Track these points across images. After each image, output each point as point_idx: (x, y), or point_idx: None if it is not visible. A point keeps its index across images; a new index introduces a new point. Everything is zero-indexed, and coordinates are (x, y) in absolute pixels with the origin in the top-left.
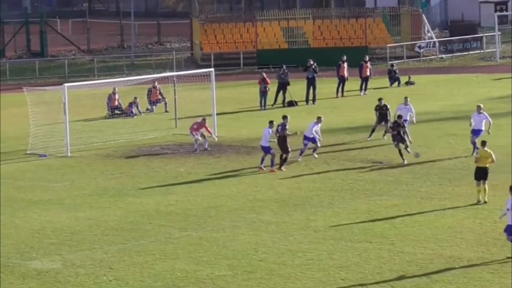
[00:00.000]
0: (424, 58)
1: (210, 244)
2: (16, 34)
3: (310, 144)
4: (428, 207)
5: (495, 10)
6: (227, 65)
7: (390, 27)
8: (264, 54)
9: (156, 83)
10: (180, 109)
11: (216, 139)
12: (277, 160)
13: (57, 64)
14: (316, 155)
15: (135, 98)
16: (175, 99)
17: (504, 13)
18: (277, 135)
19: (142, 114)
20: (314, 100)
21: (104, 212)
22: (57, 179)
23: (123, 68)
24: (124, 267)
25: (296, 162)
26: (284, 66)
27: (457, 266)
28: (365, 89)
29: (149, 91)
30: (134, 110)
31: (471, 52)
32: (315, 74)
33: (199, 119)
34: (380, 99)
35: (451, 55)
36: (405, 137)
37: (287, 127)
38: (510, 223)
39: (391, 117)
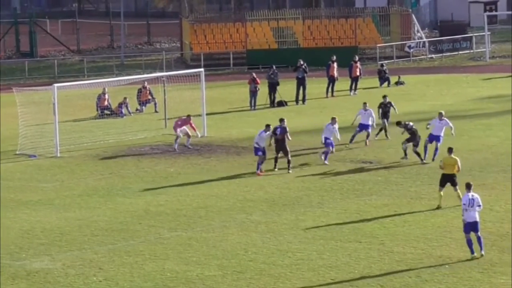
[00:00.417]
0: (413, 58)
1: (200, 244)
2: (5, 34)
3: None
4: (417, 207)
5: (485, 10)
6: (217, 65)
7: (380, 27)
8: (254, 54)
9: (146, 83)
10: (170, 109)
11: (199, 136)
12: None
13: (47, 64)
14: (324, 159)
15: (125, 98)
16: (165, 99)
17: (494, 13)
18: (275, 137)
19: (132, 114)
20: (304, 100)
21: (93, 212)
22: (46, 180)
23: (113, 68)
24: (114, 267)
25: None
26: (274, 66)
27: (446, 266)
28: (355, 89)
29: (139, 91)
30: (124, 110)
31: (460, 52)
32: (305, 74)
33: (184, 116)
34: (384, 96)
35: (441, 55)
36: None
37: (288, 130)
38: (469, 221)
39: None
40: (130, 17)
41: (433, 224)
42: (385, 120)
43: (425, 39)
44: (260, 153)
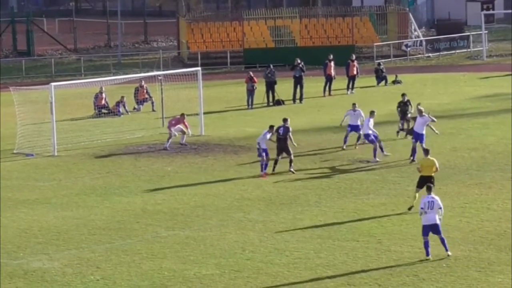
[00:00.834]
0: (411, 57)
1: (197, 243)
2: (2, 33)
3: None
4: (415, 206)
5: (482, 9)
6: (214, 64)
7: (377, 26)
8: (251, 53)
9: (143, 82)
10: (167, 108)
11: (190, 135)
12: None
13: (44, 63)
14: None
15: (122, 97)
16: (162, 98)
17: (491, 11)
18: (277, 137)
19: (129, 113)
20: (301, 99)
21: (91, 211)
22: (44, 179)
23: (110, 67)
24: (111, 266)
25: (283, 161)
26: (271, 65)
27: (444, 265)
28: (352, 88)
29: (136, 90)
30: (121, 109)
31: (457, 51)
32: (302, 73)
33: (178, 115)
34: (403, 95)
35: (438, 53)
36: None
37: (291, 130)
38: (426, 223)
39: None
40: (127, 16)
41: None
42: (404, 122)
43: (422, 38)
44: (263, 154)
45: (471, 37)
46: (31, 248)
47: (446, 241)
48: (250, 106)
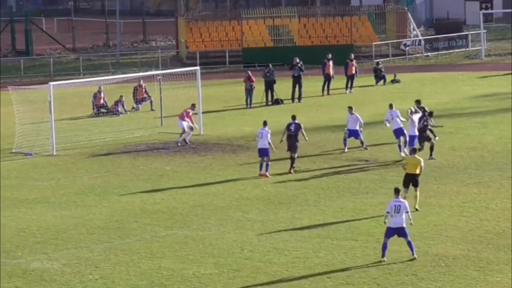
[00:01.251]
0: (409, 56)
1: (196, 243)
2: (1, 32)
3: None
4: (413, 205)
5: (480, 8)
6: (213, 63)
7: (375, 25)
8: (250, 53)
9: (141, 82)
10: (166, 108)
11: (196, 128)
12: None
13: (43, 62)
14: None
15: (121, 96)
16: (160, 97)
17: (489, 11)
18: (288, 133)
19: (128, 112)
20: (300, 98)
21: (89, 210)
22: (42, 178)
23: (108, 66)
24: (110, 265)
25: (282, 161)
26: (270, 65)
27: (442, 264)
28: (351, 87)
29: (135, 89)
30: (120, 108)
31: (456, 50)
32: (301, 72)
33: (189, 108)
34: (417, 101)
35: (437, 53)
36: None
37: (303, 126)
38: (391, 226)
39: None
40: (126, 15)
41: (429, 222)
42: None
43: (421, 37)
44: (264, 154)
45: (469, 37)
46: (30, 248)
47: (413, 245)
48: (248, 106)
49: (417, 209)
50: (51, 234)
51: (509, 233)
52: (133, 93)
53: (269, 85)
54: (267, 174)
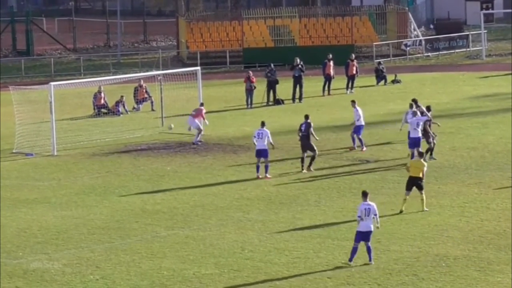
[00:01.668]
0: (410, 56)
1: (197, 243)
2: (1, 33)
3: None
4: (414, 205)
5: (481, 8)
6: (213, 63)
7: (376, 25)
8: (251, 53)
9: (142, 82)
10: (167, 108)
11: (207, 123)
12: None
13: (43, 63)
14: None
15: (122, 96)
16: (161, 97)
17: (490, 11)
18: (300, 134)
19: (129, 112)
20: (300, 98)
21: (90, 210)
22: (43, 178)
23: (109, 66)
24: (110, 265)
25: (283, 161)
26: (272, 65)
27: (443, 264)
28: (352, 87)
29: (136, 89)
30: (121, 108)
31: (457, 50)
32: (301, 73)
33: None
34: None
35: (437, 53)
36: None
37: (312, 125)
38: (361, 230)
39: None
40: (127, 16)
41: (429, 222)
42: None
43: (421, 37)
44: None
45: (470, 37)
46: (30, 248)
47: (372, 252)
48: (249, 106)
49: (425, 210)
50: (52, 234)
51: (510, 233)
52: (134, 93)
53: (271, 85)
54: (267, 175)
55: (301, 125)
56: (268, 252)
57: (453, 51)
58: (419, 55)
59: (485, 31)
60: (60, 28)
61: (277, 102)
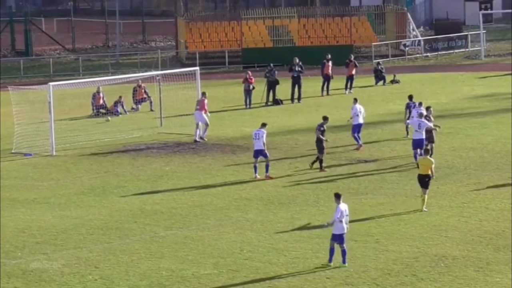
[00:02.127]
0: (409, 56)
1: (195, 243)
2: (0, 33)
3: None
4: (413, 206)
5: (480, 9)
6: (212, 63)
7: (375, 26)
8: (249, 53)
9: (141, 82)
10: (165, 108)
11: (209, 116)
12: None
13: (42, 63)
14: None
15: (120, 97)
16: (160, 98)
17: (489, 11)
18: (320, 135)
19: (127, 113)
20: (299, 98)
21: (89, 211)
22: (42, 178)
23: (108, 67)
24: (109, 266)
25: (282, 161)
26: (272, 65)
27: (442, 264)
28: (350, 87)
29: (134, 90)
30: (119, 109)
31: (456, 51)
32: (300, 73)
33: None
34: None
35: (436, 53)
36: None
37: (322, 128)
38: (336, 233)
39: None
40: (126, 16)
41: (428, 222)
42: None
43: (420, 38)
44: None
45: (469, 37)
46: (29, 248)
47: (346, 254)
48: (248, 106)
49: (424, 211)
50: (51, 235)
51: (509, 233)
52: (133, 93)
53: (271, 85)
54: (267, 175)
55: (318, 126)
56: (267, 252)
57: (452, 51)
58: (418, 55)
59: (484, 31)
60: (59, 28)
61: (276, 102)
